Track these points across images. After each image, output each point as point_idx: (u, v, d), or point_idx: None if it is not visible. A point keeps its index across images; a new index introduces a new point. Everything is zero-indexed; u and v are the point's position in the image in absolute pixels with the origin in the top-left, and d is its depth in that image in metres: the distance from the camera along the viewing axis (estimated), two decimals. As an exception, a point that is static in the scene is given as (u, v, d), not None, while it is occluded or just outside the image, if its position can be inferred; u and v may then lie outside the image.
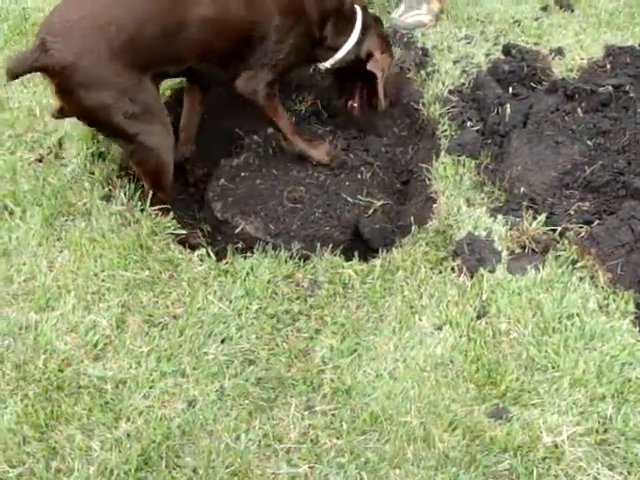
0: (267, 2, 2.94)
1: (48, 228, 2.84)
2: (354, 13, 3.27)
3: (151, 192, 2.93)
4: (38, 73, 2.72)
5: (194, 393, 2.32)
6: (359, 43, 3.27)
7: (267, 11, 2.93)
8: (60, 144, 3.19)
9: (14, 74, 2.58)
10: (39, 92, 3.47)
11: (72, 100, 2.67)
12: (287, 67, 3.13)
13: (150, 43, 2.67)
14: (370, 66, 3.25)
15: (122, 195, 2.96)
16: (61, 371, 2.38)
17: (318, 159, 3.25)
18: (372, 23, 3.34)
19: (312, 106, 3.75)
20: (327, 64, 3.32)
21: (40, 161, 3.12)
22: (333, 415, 2.28)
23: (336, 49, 3.27)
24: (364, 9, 3.35)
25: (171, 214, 2.96)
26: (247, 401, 2.32)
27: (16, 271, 2.69)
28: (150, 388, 2.34)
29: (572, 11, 4.22)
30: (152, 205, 2.93)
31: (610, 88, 3.23)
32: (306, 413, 2.29)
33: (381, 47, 3.32)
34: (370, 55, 3.26)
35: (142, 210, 2.93)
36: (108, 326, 2.51)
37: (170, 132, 2.87)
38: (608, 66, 3.52)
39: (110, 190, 2.98)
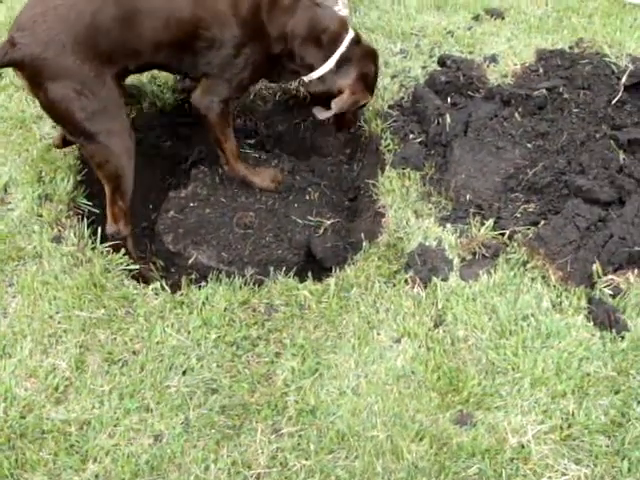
0: (220, 4, 2.91)
1: (-1, 274, 2.81)
2: (337, 41, 3.17)
3: (110, 201, 2.93)
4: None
5: (160, 427, 2.31)
6: (333, 73, 3.19)
7: (218, 13, 2.91)
8: (5, 189, 3.15)
9: None
10: (-19, 139, 3.44)
11: (39, 93, 2.74)
12: (243, 84, 3.12)
13: (106, 32, 2.71)
14: (334, 101, 3.18)
15: (72, 235, 2.93)
16: (23, 418, 2.35)
17: (262, 186, 3.27)
18: (358, 56, 3.20)
19: (254, 131, 3.76)
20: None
21: (-14, 208, 3.09)
22: (300, 436, 2.28)
23: (301, 73, 3.22)
24: (356, 40, 3.23)
25: (122, 250, 2.95)
26: (213, 430, 2.31)
27: (-31, 320, 2.66)
28: (115, 426, 2.32)
29: (502, 18, 4.31)
30: (113, 217, 2.94)
31: (544, 91, 3.31)
32: (273, 437, 2.29)
33: (354, 86, 3.20)
34: (340, 92, 3.20)
35: (93, 249, 2.91)
36: (68, 368, 2.49)
37: (131, 135, 2.89)
38: (541, 70, 3.59)
39: (60, 231, 2.96)
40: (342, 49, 3.16)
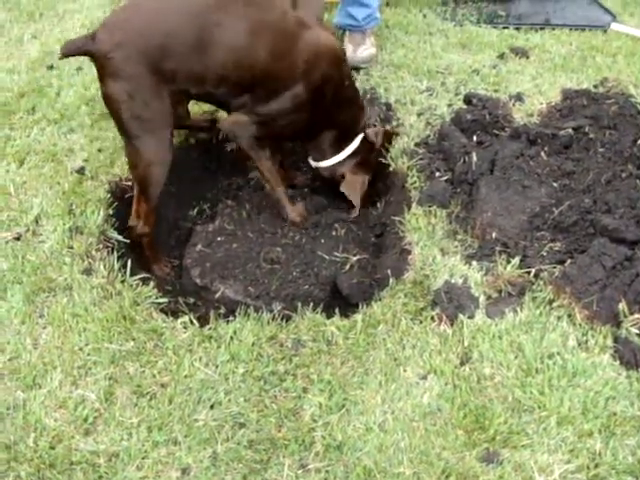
0: (296, 65, 3.08)
1: (30, 305, 2.84)
2: (352, 139, 3.46)
3: (136, 199, 3.15)
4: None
5: (187, 461, 2.33)
6: (339, 164, 3.48)
7: (291, 73, 3.08)
8: (37, 221, 3.21)
9: (65, 54, 2.97)
10: (12, 170, 3.50)
11: (101, 85, 2.97)
12: (273, 135, 3.27)
13: (176, 54, 2.90)
14: (342, 187, 3.47)
15: (102, 268, 2.98)
16: (52, 448, 2.37)
17: (290, 215, 3.34)
18: (363, 150, 3.49)
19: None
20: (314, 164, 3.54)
21: (18, 239, 3.13)
22: (327, 472, 2.29)
23: (310, 154, 3.53)
24: (365, 137, 3.49)
25: (152, 283, 2.99)
26: (240, 465, 2.32)
27: (0, 350, 2.69)
28: (143, 459, 2.34)
29: (527, 57, 4.35)
30: (136, 213, 3.17)
31: (570, 130, 3.33)
32: (300, 472, 2.29)
33: (354, 169, 3.48)
34: (342, 176, 3.47)
35: (123, 282, 2.96)
36: (97, 399, 2.51)
37: (169, 150, 3.05)
38: (566, 109, 3.62)
39: (90, 264, 3.01)
40: (353, 147, 3.47)
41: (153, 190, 3.09)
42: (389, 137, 3.60)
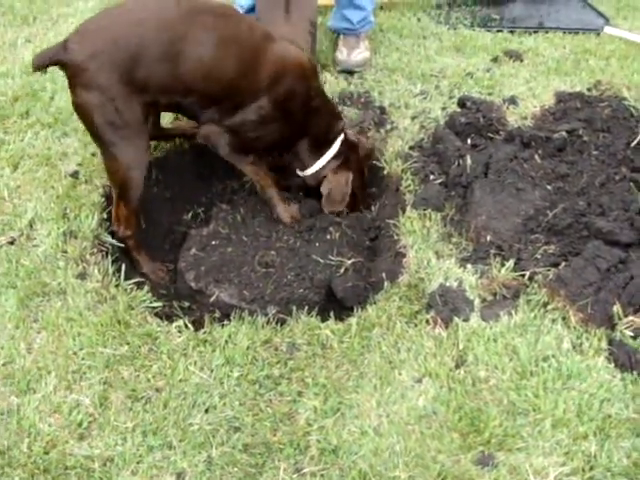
0: (261, 79, 3.11)
1: (24, 310, 2.83)
2: (330, 144, 3.46)
3: (115, 203, 3.18)
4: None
5: (182, 465, 2.32)
6: (321, 169, 3.48)
7: (256, 88, 3.12)
8: (31, 225, 3.20)
9: (37, 66, 2.94)
10: (6, 174, 3.49)
11: (71, 93, 2.97)
12: (246, 146, 3.30)
13: (147, 65, 2.92)
14: (322, 187, 3.48)
15: (96, 272, 2.98)
16: (47, 453, 2.36)
17: (282, 215, 3.36)
18: (343, 151, 3.48)
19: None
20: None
21: (12, 243, 3.12)
22: (322, 476, 2.28)
23: (294, 166, 3.53)
24: (345, 139, 3.49)
25: (146, 287, 2.99)
26: (236, 469, 2.32)
27: (-6, 355, 2.69)
28: (138, 463, 2.33)
29: (521, 60, 4.36)
30: (116, 218, 3.20)
31: (564, 133, 3.34)
32: (295, 476, 2.29)
33: (336, 169, 3.47)
34: (324, 177, 3.49)
35: (117, 286, 2.95)
36: (91, 404, 2.50)
37: (145, 154, 3.11)
38: (560, 112, 3.63)
39: (84, 268, 3.00)
40: (333, 150, 3.46)
41: (133, 193, 3.12)
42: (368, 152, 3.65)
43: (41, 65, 2.94)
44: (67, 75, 2.95)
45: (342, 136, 3.47)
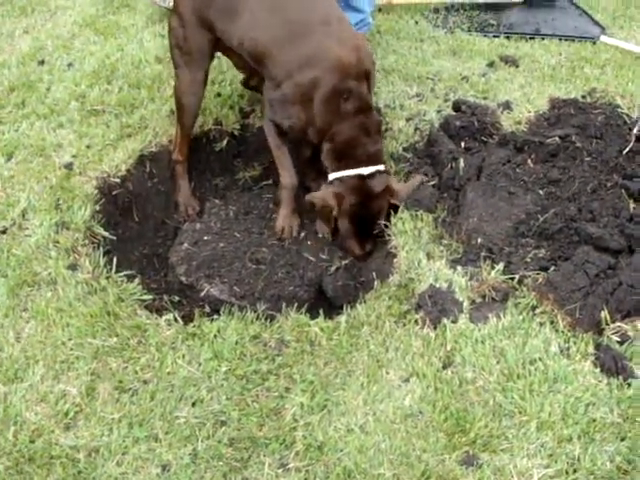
0: (293, 59, 3.14)
1: (14, 299, 2.84)
2: (360, 162, 3.18)
3: (175, 128, 3.63)
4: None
5: (168, 457, 2.33)
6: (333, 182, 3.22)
7: (286, 64, 3.16)
8: (23, 215, 3.21)
9: None
10: (0, 164, 3.50)
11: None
12: (283, 122, 3.25)
13: (215, 10, 3.30)
14: (307, 195, 3.27)
15: (87, 263, 2.99)
16: (32, 442, 2.37)
17: (278, 221, 3.32)
18: (349, 185, 3.18)
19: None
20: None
21: (4, 232, 3.13)
22: (307, 472, 2.29)
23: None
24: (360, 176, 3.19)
25: (137, 280, 2.99)
26: (221, 462, 2.32)
27: (-17, 344, 2.69)
28: (123, 454, 2.34)
29: (517, 66, 4.38)
30: (174, 144, 3.63)
31: (557, 139, 3.35)
32: (280, 471, 2.30)
33: (338, 190, 3.18)
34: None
35: (108, 278, 2.96)
36: (78, 394, 2.51)
37: (200, 85, 3.50)
38: (554, 118, 3.64)
39: (75, 259, 3.01)
40: (353, 171, 3.18)
41: (185, 118, 3.54)
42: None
43: None
44: None
45: (378, 167, 3.20)
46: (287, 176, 3.32)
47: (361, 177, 3.17)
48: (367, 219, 3.23)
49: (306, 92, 3.10)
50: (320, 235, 3.32)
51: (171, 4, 3.80)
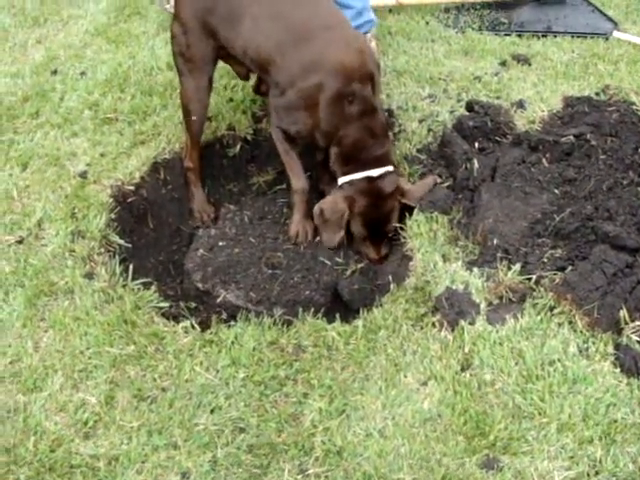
0: (296, 65, 3.15)
1: (31, 309, 2.85)
2: (367, 165, 3.18)
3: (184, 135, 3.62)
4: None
5: (187, 465, 2.33)
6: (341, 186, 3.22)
7: (289, 70, 3.17)
8: (39, 225, 3.22)
9: None
10: (15, 174, 3.51)
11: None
12: (286, 131, 3.28)
13: (217, 18, 3.29)
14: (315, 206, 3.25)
15: (104, 272, 3.00)
16: (52, 451, 2.38)
17: (292, 227, 3.31)
18: (360, 189, 3.18)
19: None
20: None
21: (20, 242, 3.15)
22: (326, 477, 2.29)
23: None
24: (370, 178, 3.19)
25: (153, 288, 3.00)
26: (240, 469, 2.33)
27: (1, 353, 2.70)
28: (143, 463, 2.34)
29: (529, 65, 4.36)
30: (184, 152, 3.62)
31: (572, 138, 3.33)
32: (300, 477, 2.30)
33: (347, 194, 3.19)
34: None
35: (124, 286, 2.97)
36: (97, 403, 2.52)
37: (204, 92, 3.50)
38: (568, 116, 3.62)
39: (91, 267, 3.02)
40: (361, 174, 3.19)
41: (192, 125, 3.50)
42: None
43: None
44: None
45: (387, 168, 3.20)
46: (297, 181, 3.32)
47: (370, 179, 3.18)
48: (379, 220, 3.24)
49: (311, 97, 3.11)
50: (327, 247, 3.26)
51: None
